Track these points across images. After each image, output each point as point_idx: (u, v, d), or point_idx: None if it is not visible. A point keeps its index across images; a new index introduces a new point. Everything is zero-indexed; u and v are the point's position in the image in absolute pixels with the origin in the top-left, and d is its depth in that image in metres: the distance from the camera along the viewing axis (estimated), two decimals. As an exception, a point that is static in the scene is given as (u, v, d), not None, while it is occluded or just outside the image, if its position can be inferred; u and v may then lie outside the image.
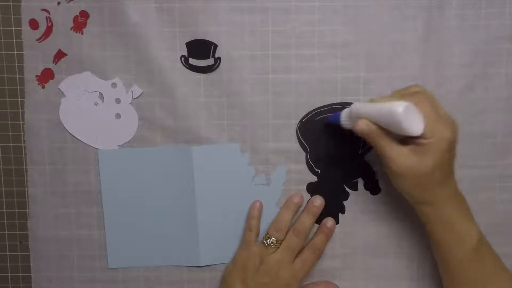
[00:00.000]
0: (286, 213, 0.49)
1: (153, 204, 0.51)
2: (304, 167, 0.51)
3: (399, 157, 0.41)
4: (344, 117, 0.45)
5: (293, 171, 0.51)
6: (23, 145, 0.51)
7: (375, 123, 0.41)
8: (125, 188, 0.51)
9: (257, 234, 0.50)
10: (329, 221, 0.50)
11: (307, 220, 0.49)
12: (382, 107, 0.40)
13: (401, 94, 0.42)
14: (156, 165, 0.51)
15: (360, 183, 0.51)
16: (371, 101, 0.43)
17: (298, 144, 0.50)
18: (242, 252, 0.49)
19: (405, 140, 0.41)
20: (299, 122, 0.50)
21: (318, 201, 0.49)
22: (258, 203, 0.50)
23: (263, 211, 0.51)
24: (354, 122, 0.43)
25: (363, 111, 0.42)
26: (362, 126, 0.41)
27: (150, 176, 0.51)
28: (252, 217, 0.50)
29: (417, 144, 0.40)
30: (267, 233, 0.49)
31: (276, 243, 0.48)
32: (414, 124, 0.39)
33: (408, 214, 0.51)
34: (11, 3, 0.49)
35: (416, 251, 0.52)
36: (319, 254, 0.49)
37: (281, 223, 0.49)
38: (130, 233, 0.52)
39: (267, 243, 0.48)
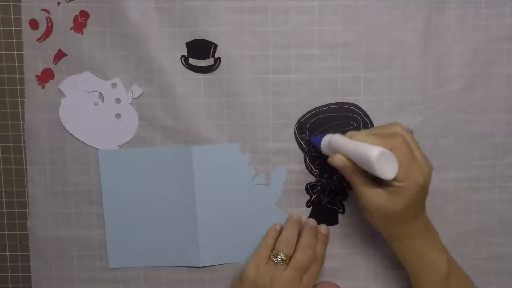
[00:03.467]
0: (291, 228, 0.49)
1: (153, 204, 0.51)
2: (304, 167, 0.51)
3: (371, 195, 0.42)
4: (324, 145, 0.46)
5: (293, 171, 0.51)
6: (23, 145, 0.51)
7: (350, 160, 0.42)
8: (125, 188, 0.51)
9: (271, 253, 0.48)
10: (322, 228, 0.50)
11: (312, 240, 0.49)
12: (358, 148, 0.41)
13: (380, 134, 0.42)
14: (156, 165, 0.51)
15: None
16: (350, 136, 0.43)
17: (297, 144, 0.50)
18: (251, 270, 0.47)
19: (379, 179, 0.41)
20: (296, 123, 0.50)
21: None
22: (278, 226, 0.50)
23: (263, 211, 0.51)
24: (331, 154, 0.44)
25: (341, 146, 0.42)
26: (337, 162, 0.42)
27: (150, 176, 0.51)
28: (271, 236, 0.49)
29: (390, 185, 0.41)
30: (275, 250, 0.48)
31: (286, 259, 0.47)
32: (387, 170, 0.40)
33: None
34: (11, 3, 0.49)
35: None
36: (321, 263, 0.49)
37: (290, 237, 0.48)
38: (130, 233, 0.52)
39: (276, 260, 0.47)
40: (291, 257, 0.47)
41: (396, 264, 0.52)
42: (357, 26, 0.49)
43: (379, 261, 0.52)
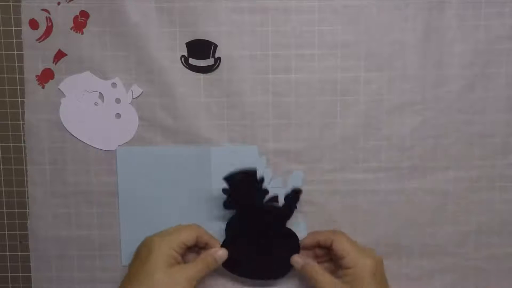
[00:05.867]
0: None
1: (169, 204, 0.51)
2: (304, 167, 0.51)
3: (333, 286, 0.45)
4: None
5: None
6: (23, 145, 0.51)
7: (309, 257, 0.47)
8: (142, 186, 0.51)
9: None
10: (219, 251, 0.48)
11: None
12: None
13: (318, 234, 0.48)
14: (174, 164, 0.50)
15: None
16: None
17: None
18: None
19: (336, 272, 0.46)
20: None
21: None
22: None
23: None
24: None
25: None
26: (296, 259, 0.48)
27: (167, 175, 0.51)
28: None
29: (345, 274, 0.45)
30: None
31: None
32: None
33: (409, 214, 0.51)
34: (11, 3, 0.49)
35: (415, 251, 0.52)
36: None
37: None
38: (144, 232, 0.51)
39: None
40: None
41: (396, 264, 0.52)
42: (357, 26, 0.49)
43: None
